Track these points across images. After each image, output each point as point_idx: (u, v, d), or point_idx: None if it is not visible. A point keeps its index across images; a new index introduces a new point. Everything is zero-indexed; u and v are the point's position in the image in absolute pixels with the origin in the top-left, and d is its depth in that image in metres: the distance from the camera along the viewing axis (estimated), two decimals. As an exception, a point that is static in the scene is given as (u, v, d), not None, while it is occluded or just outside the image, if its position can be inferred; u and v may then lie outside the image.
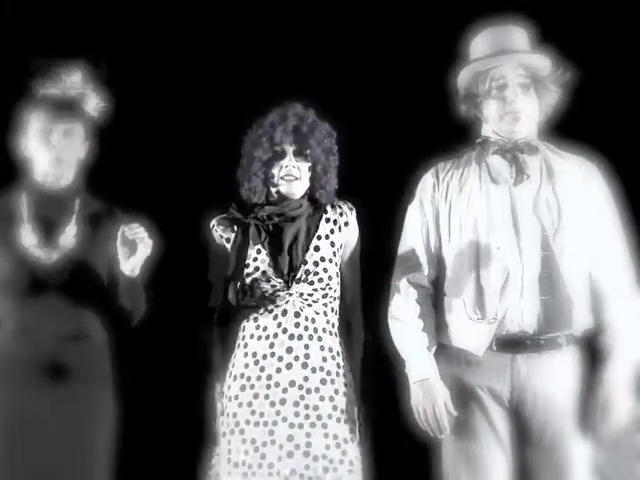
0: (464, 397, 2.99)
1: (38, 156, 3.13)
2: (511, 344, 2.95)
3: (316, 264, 3.15)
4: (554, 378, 2.95)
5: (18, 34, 3.89)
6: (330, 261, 3.17)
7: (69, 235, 3.11)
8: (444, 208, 3.07)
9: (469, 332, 2.98)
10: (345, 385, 3.13)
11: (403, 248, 3.13)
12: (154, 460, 3.67)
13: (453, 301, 3.03)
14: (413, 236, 3.11)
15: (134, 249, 2.99)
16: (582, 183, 3.02)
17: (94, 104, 3.18)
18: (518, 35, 3.07)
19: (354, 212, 3.28)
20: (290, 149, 3.18)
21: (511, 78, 3.01)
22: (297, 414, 3.04)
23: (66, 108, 3.12)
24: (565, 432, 2.93)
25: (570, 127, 3.12)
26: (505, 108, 3.01)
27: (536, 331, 2.93)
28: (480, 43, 3.08)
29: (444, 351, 3.05)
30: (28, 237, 3.09)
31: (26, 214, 3.12)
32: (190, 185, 3.82)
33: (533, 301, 2.93)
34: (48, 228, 3.11)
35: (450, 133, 3.18)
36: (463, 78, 3.08)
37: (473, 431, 2.97)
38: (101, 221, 3.17)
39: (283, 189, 3.20)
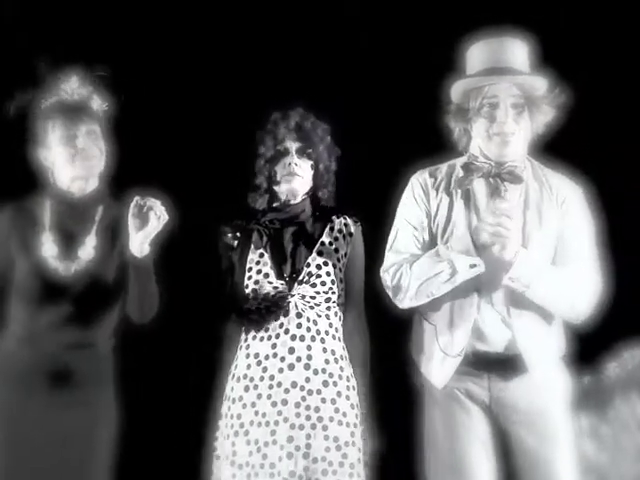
0: (444, 398, 2.99)
1: (65, 163, 3.10)
2: (484, 359, 2.96)
3: (319, 267, 3.16)
4: (534, 380, 2.94)
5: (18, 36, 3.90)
6: (334, 266, 3.18)
7: (88, 247, 3.09)
8: (433, 227, 3.05)
9: (434, 362, 2.99)
10: (347, 388, 3.13)
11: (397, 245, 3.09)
12: (155, 465, 3.67)
13: (424, 324, 3.04)
14: (405, 234, 3.08)
15: (145, 222, 2.93)
16: (557, 210, 2.99)
17: (97, 105, 3.17)
18: (516, 50, 2.99)
19: (359, 225, 3.28)
20: (293, 147, 3.21)
21: (504, 98, 2.94)
22: (298, 415, 3.04)
23: (82, 110, 3.11)
24: (549, 434, 2.93)
25: (560, 144, 3.10)
26: (494, 129, 2.95)
27: (508, 350, 2.94)
28: (476, 55, 3.01)
29: None
30: (48, 248, 3.08)
31: (48, 223, 3.11)
32: (199, 186, 3.85)
33: (503, 330, 2.93)
34: (68, 239, 3.10)
35: (438, 142, 3.16)
36: (456, 91, 3.01)
37: (456, 431, 2.96)
38: (120, 228, 3.11)
39: (285, 187, 3.21)
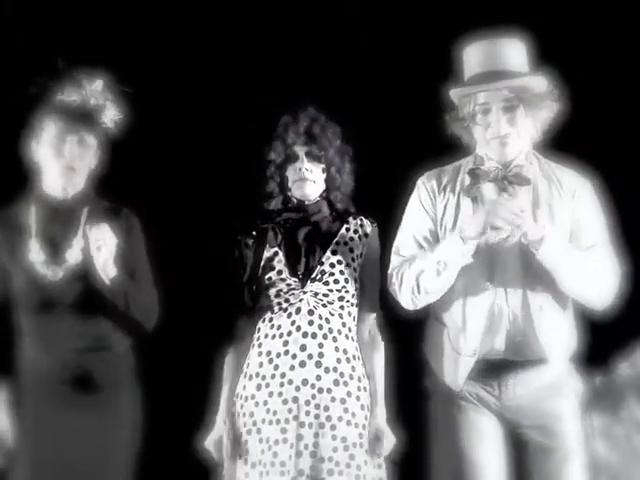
0: (456, 399, 2.98)
1: (49, 165, 3.10)
2: (494, 367, 2.95)
3: (332, 266, 3.15)
4: (546, 383, 2.94)
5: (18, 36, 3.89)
6: (348, 265, 3.16)
7: (76, 249, 3.07)
8: (440, 230, 3.04)
9: (448, 364, 2.98)
10: (358, 389, 3.11)
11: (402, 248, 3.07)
12: (173, 464, 3.68)
13: (437, 325, 3.03)
14: (409, 234, 3.07)
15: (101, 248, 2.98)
16: (567, 204, 2.99)
17: (112, 115, 3.15)
18: (512, 51, 3.00)
19: (375, 226, 3.27)
20: (303, 151, 3.20)
21: (495, 102, 2.95)
22: (308, 413, 3.02)
23: (81, 118, 3.09)
24: (561, 437, 2.93)
25: (567, 138, 3.11)
26: (489, 134, 2.97)
27: (518, 356, 2.94)
28: (473, 58, 3.01)
29: None
30: (35, 254, 3.07)
31: (34, 229, 3.10)
32: (211, 187, 3.87)
33: (514, 334, 2.92)
34: (55, 244, 3.08)
35: (443, 141, 3.14)
36: (452, 98, 3.04)
37: (466, 431, 2.96)
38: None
39: (297, 192, 3.21)
